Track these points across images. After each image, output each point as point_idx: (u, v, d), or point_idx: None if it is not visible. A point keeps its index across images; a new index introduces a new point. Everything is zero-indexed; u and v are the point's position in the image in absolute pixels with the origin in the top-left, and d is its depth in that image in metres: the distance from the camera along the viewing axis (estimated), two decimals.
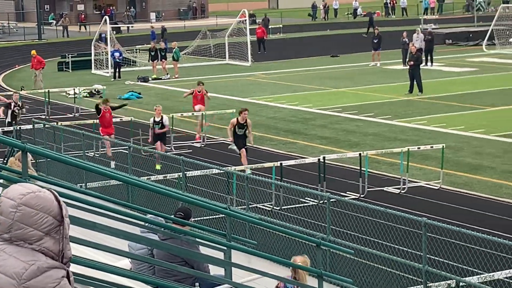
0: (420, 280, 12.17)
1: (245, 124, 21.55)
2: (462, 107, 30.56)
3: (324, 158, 19.49)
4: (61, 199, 3.50)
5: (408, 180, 19.96)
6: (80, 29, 74.37)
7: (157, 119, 22.87)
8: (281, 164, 19.30)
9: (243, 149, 21.37)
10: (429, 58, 42.84)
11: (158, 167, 21.40)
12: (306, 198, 18.75)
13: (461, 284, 11.71)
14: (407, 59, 37.22)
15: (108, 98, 24.27)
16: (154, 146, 23.03)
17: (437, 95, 33.42)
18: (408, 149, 20.33)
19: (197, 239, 8.22)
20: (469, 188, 19.78)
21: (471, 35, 53.62)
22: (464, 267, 13.63)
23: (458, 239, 14.81)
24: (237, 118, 21.65)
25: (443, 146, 20.71)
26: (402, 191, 19.69)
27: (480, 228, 15.75)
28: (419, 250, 12.97)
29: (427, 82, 35.11)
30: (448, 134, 25.87)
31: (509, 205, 18.35)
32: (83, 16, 78.75)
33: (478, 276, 12.14)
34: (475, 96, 32.83)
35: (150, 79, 42.26)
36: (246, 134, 21.65)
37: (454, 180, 20.51)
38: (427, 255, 12.27)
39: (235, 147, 21.57)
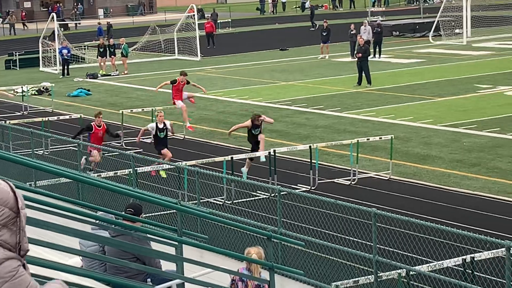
0: (371, 270, 12.31)
1: (260, 124, 20.66)
2: (410, 98, 30.86)
3: (274, 151, 19.58)
4: (17, 190, 3.49)
5: (358, 172, 20.14)
6: (24, 27, 73.54)
7: (161, 126, 21.32)
8: (232, 158, 19.35)
9: (261, 135, 20.59)
10: (377, 50, 43.18)
11: (163, 174, 19.85)
12: (257, 191, 18.83)
13: (411, 273, 11.88)
14: (355, 51, 37.49)
15: (100, 111, 22.55)
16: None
17: (386, 87, 33.71)
18: (358, 140, 20.50)
19: (148, 235, 8.24)
20: (418, 178, 20.02)
21: (417, 27, 54.12)
22: (414, 256, 13.82)
23: (408, 228, 15.00)
24: (252, 121, 20.55)
25: (392, 137, 20.92)
26: (353, 183, 19.86)
27: (429, 217, 15.97)
28: (369, 241, 13.11)
29: (375, 74, 35.41)
30: (397, 125, 26.13)
31: (457, 194, 18.61)
32: (24, 14, 77.85)
33: (428, 264, 12.31)
34: (423, 87, 33.18)
35: (99, 75, 42.01)
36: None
37: (403, 170, 20.73)
38: (377, 245, 12.41)
39: (246, 171, 20.09)
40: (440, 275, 11.94)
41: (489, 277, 12.70)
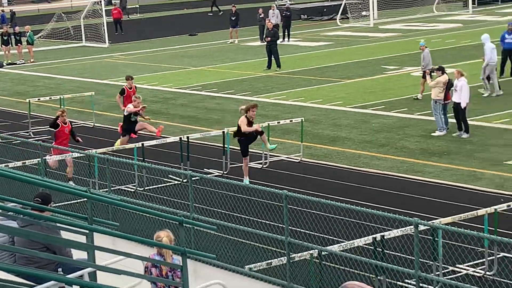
0: (283, 251, 12.41)
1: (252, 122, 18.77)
2: (319, 80, 31.15)
3: (187, 137, 19.55)
4: None
5: (270, 155, 20.26)
6: None
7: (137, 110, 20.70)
8: (142, 144, 19.24)
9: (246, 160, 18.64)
10: (286, 33, 43.41)
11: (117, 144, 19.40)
12: (169, 177, 18.78)
13: (323, 253, 12.01)
14: (264, 35, 37.60)
15: (64, 110, 20.42)
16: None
17: (295, 70, 33.94)
18: (268, 124, 20.61)
19: (58, 224, 8.14)
20: (329, 160, 20.24)
21: (325, 10, 54.56)
22: (325, 236, 13.99)
23: (319, 209, 15.20)
24: (246, 116, 18.56)
25: (302, 119, 21.10)
26: (264, 166, 19.98)
27: (340, 198, 16.19)
28: (281, 223, 13.21)
29: (285, 58, 35.62)
30: (307, 107, 26.36)
31: (367, 174, 18.89)
32: None
33: (339, 244, 12.46)
34: (332, 69, 33.52)
35: (4, 64, 41.19)
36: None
37: (314, 152, 20.93)
38: (289, 227, 12.51)
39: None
40: (352, 254, 12.12)
41: (399, 254, 12.96)
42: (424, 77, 25.66)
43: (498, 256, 12.68)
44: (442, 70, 22.25)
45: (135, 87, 24.72)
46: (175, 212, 13.51)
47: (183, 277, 8.96)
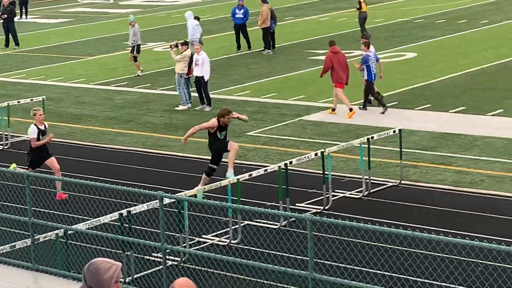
0: (27, 233, 12.11)
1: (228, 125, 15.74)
2: (60, 58, 30.57)
3: None
4: None
5: (11, 135, 19.67)
6: None
7: (42, 127, 15.69)
8: None
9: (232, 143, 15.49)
10: (23, 10, 42.19)
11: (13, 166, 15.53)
12: None
13: (69, 232, 11.84)
14: (0, 13, 36.30)
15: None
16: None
17: (35, 48, 33.13)
18: (8, 104, 19.95)
19: None
20: (73, 138, 19.95)
21: None
22: (71, 215, 13.79)
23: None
24: (218, 120, 15.46)
25: (43, 98, 20.61)
26: (5, 147, 19.39)
27: (85, 175, 15.94)
28: (25, 204, 12.85)
29: (23, 35, 34.68)
30: (48, 86, 25.83)
31: (112, 151, 18.79)
32: None
33: (85, 222, 12.30)
34: (72, 46, 33.01)
35: None
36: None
37: (57, 131, 20.35)
38: (33, 208, 12.21)
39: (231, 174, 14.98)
40: (98, 231, 12.02)
41: (146, 228, 13.02)
42: (137, 52, 26.01)
43: (241, 224, 13.05)
44: (187, 44, 22.54)
45: None
46: None
47: None
